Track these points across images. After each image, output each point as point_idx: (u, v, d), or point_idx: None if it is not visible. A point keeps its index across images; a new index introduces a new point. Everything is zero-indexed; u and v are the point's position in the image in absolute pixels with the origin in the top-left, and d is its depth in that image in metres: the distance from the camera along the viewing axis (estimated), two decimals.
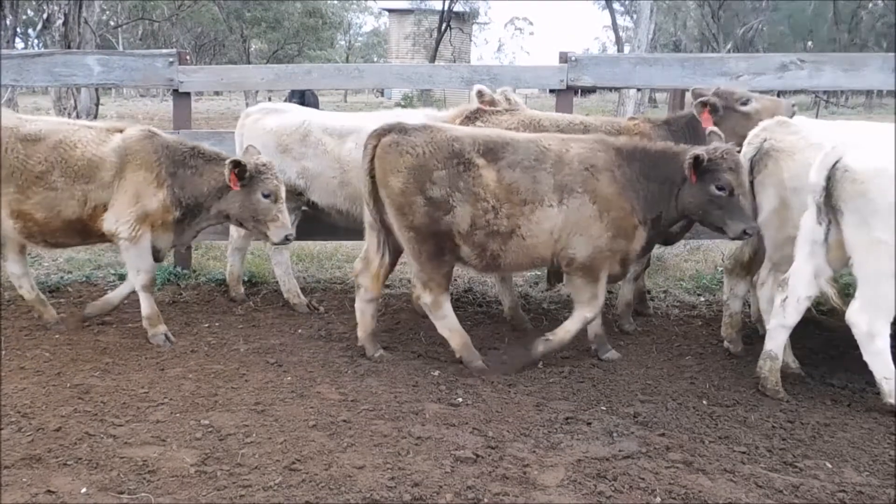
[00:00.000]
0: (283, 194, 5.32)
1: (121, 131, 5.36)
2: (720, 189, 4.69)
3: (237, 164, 5.13)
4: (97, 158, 5.20)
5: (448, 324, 5.05)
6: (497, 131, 5.17)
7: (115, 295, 5.71)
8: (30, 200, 5.19)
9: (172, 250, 7.18)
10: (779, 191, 4.88)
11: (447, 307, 5.04)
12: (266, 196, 5.23)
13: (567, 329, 5.04)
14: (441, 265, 4.92)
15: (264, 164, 5.28)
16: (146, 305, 5.43)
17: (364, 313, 5.24)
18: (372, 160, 4.86)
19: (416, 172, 4.75)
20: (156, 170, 5.24)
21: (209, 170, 5.32)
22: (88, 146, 5.23)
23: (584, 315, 5.01)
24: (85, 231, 5.35)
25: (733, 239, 4.98)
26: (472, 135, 4.92)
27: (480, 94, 6.22)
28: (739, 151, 4.95)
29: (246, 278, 6.87)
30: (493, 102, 6.14)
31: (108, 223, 5.24)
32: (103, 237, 5.38)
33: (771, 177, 4.93)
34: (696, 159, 4.65)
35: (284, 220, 5.30)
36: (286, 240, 5.35)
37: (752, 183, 4.99)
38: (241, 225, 5.54)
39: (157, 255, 5.50)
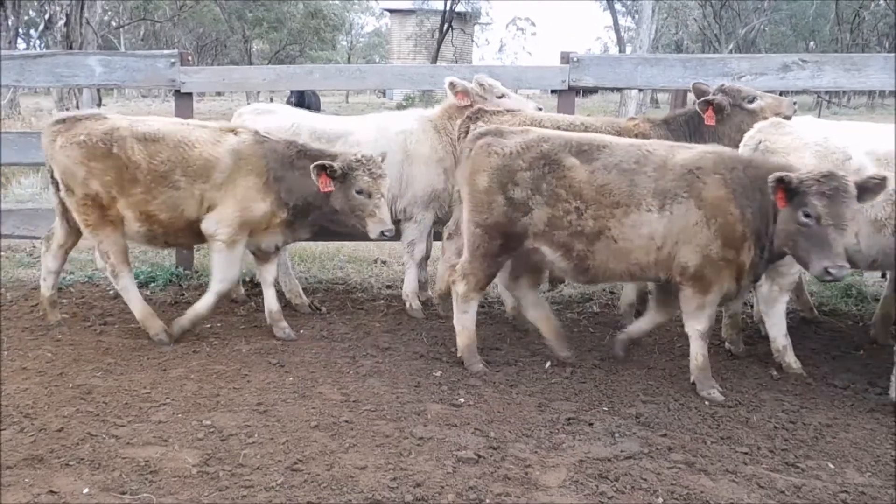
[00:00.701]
0: (379, 189, 5.21)
1: (234, 132, 5.35)
2: (807, 217, 4.25)
3: (321, 168, 5.09)
4: (213, 158, 5.20)
5: (465, 320, 5.04)
6: (596, 135, 5.09)
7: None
8: (155, 200, 5.21)
9: (173, 250, 7.21)
10: None
11: (474, 306, 5.03)
12: (359, 192, 5.17)
13: (693, 353, 4.81)
14: (491, 265, 4.94)
15: (358, 160, 5.19)
16: (204, 306, 5.40)
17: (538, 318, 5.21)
18: (466, 162, 4.93)
19: (501, 172, 4.76)
20: (264, 176, 5.24)
21: None
22: (206, 146, 5.22)
23: (696, 328, 4.73)
24: (201, 232, 5.34)
25: (815, 277, 4.61)
26: (566, 136, 4.87)
27: (452, 85, 6.19)
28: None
29: (248, 279, 6.87)
30: (466, 92, 6.14)
31: (209, 223, 5.24)
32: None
33: None
34: (782, 181, 4.28)
35: (381, 216, 5.22)
36: (382, 235, 5.27)
37: None
38: (344, 222, 5.42)
39: (266, 256, 5.56)
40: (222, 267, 5.32)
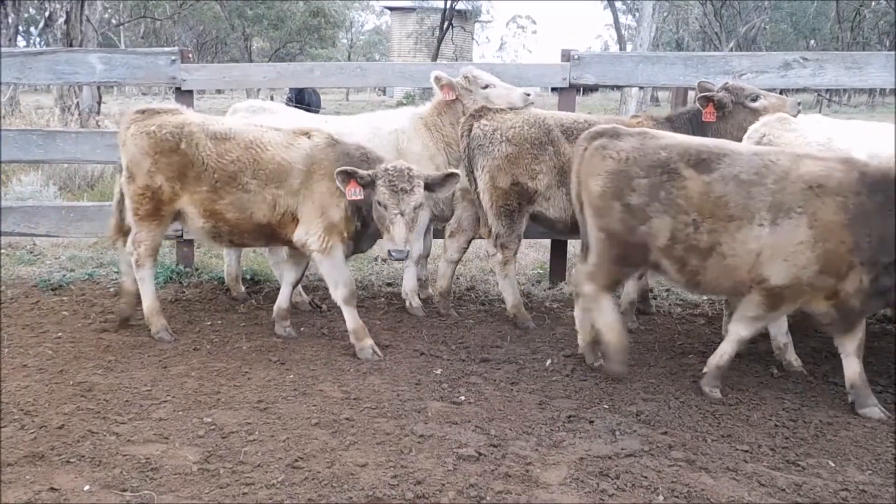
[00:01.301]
0: (396, 203, 4.86)
1: (307, 135, 5.26)
2: None
3: (348, 175, 4.89)
4: (286, 163, 5.12)
5: (605, 318, 4.82)
6: (718, 142, 4.78)
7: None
8: (222, 200, 5.16)
9: (174, 248, 7.20)
10: None
11: (606, 303, 4.83)
12: (379, 203, 4.91)
13: (721, 351, 4.74)
14: (619, 272, 4.82)
15: (385, 170, 4.92)
16: (351, 319, 5.24)
17: (585, 322, 5.07)
18: (581, 163, 4.80)
19: (616, 178, 4.61)
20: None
21: None
22: (278, 149, 5.14)
23: (739, 333, 4.63)
24: (272, 235, 5.31)
25: None
26: (685, 143, 4.63)
27: (438, 79, 6.16)
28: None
29: (248, 276, 6.88)
30: (451, 86, 6.12)
31: (299, 235, 5.16)
32: (290, 243, 5.32)
33: None
34: None
35: (393, 233, 4.86)
36: (389, 254, 4.92)
37: None
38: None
39: (300, 258, 5.50)
40: (331, 274, 5.20)
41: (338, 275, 5.20)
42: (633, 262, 4.80)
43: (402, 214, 4.86)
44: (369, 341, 5.21)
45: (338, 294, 5.22)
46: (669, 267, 4.65)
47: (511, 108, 5.92)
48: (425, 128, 6.14)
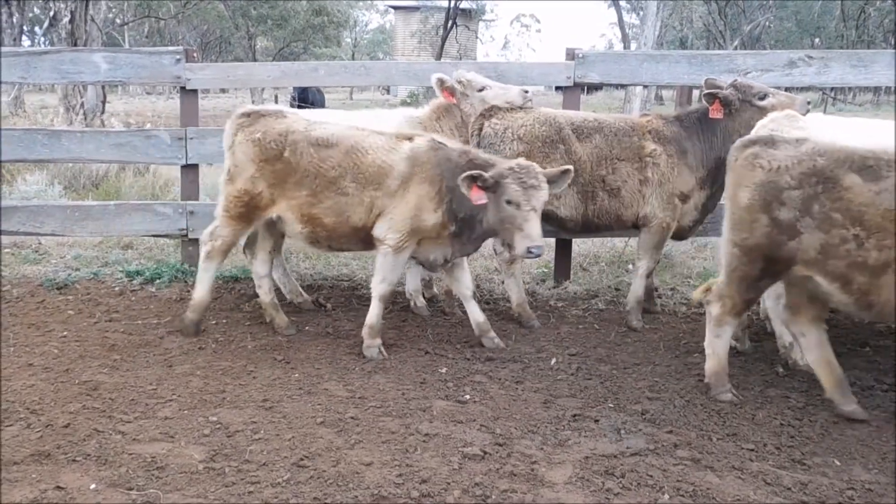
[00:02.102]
0: (529, 200, 4.80)
1: (409, 139, 5.23)
2: None
3: (472, 179, 4.82)
4: (387, 166, 5.09)
5: (717, 345, 4.62)
6: (886, 143, 4.37)
7: (474, 314, 5.45)
8: (321, 205, 5.17)
9: (179, 247, 7.20)
10: None
11: (728, 331, 4.62)
12: (508, 203, 4.82)
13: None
14: (750, 290, 4.52)
15: (510, 168, 4.86)
16: (374, 314, 5.25)
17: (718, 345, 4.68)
18: (731, 173, 4.52)
19: (765, 189, 4.28)
20: (438, 185, 5.07)
21: None
22: (379, 153, 5.12)
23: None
24: (368, 238, 5.25)
25: None
26: (848, 150, 4.21)
27: (441, 81, 6.13)
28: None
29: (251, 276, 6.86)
30: (452, 90, 6.12)
31: (380, 228, 5.14)
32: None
33: None
34: None
35: (530, 231, 4.79)
36: (529, 252, 4.81)
37: None
38: (502, 235, 5.16)
39: (433, 266, 5.46)
40: (385, 268, 5.20)
41: (391, 273, 5.22)
42: (770, 281, 4.50)
43: (535, 210, 4.82)
44: (378, 341, 5.22)
45: (379, 287, 5.24)
46: (829, 285, 4.23)
47: (518, 108, 5.93)
48: (422, 130, 6.08)
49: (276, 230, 5.54)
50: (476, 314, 5.47)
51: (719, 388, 4.62)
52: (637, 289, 5.95)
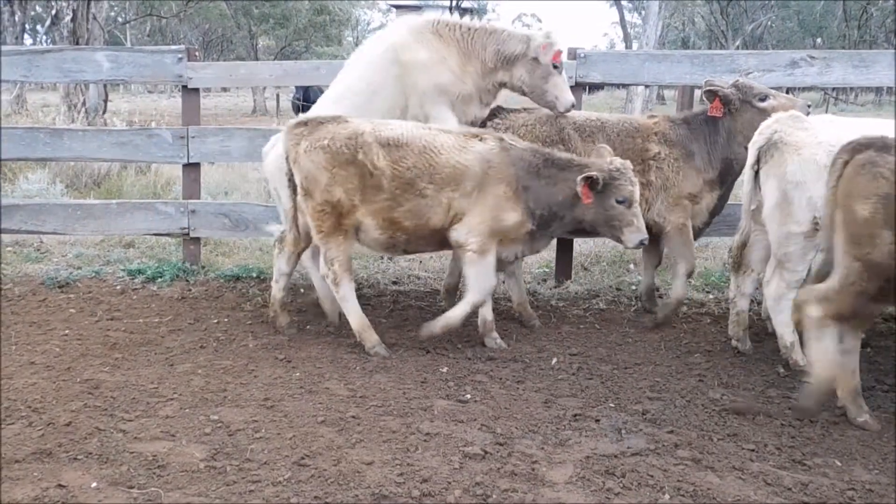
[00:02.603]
0: (637, 198, 5.10)
1: (479, 138, 5.18)
2: None
3: (590, 180, 4.94)
4: (461, 166, 5.03)
5: (819, 352, 4.22)
6: None
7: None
8: (400, 208, 5.07)
9: (181, 245, 7.21)
10: (780, 184, 4.89)
11: (829, 334, 4.17)
12: (620, 202, 5.03)
13: None
14: (864, 306, 4.11)
15: (618, 169, 5.04)
16: (459, 316, 5.21)
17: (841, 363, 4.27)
18: (839, 178, 4.10)
19: (888, 202, 3.85)
20: (513, 184, 5.08)
21: (563, 178, 5.13)
22: (452, 153, 5.06)
23: None
24: (443, 240, 5.22)
25: None
26: None
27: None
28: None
29: (254, 274, 6.88)
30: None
31: (459, 234, 5.10)
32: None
33: (774, 168, 4.94)
34: None
35: (639, 224, 5.10)
36: (641, 244, 5.19)
37: (757, 173, 5.05)
38: (592, 230, 5.35)
39: (502, 265, 5.40)
40: (476, 277, 5.14)
41: (484, 280, 5.15)
42: (890, 300, 4.20)
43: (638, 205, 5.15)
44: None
45: (471, 296, 5.18)
46: None
47: (525, 110, 5.96)
48: (435, 35, 5.74)
49: (296, 232, 5.38)
50: (488, 311, 5.43)
51: (856, 410, 4.29)
52: (678, 288, 5.91)
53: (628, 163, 5.14)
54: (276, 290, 5.66)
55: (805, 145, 4.85)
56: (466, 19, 5.89)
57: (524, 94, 5.81)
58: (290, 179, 5.18)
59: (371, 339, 5.23)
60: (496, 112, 5.91)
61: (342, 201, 5.05)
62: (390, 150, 5.03)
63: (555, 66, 5.67)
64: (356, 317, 5.28)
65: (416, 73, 5.67)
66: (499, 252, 5.22)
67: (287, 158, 5.17)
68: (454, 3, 42.55)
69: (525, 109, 5.94)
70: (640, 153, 5.78)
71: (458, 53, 5.72)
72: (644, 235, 5.12)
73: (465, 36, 5.74)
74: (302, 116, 5.38)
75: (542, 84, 5.71)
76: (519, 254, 5.39)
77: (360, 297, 6.43)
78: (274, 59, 34.23)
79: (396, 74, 5.70)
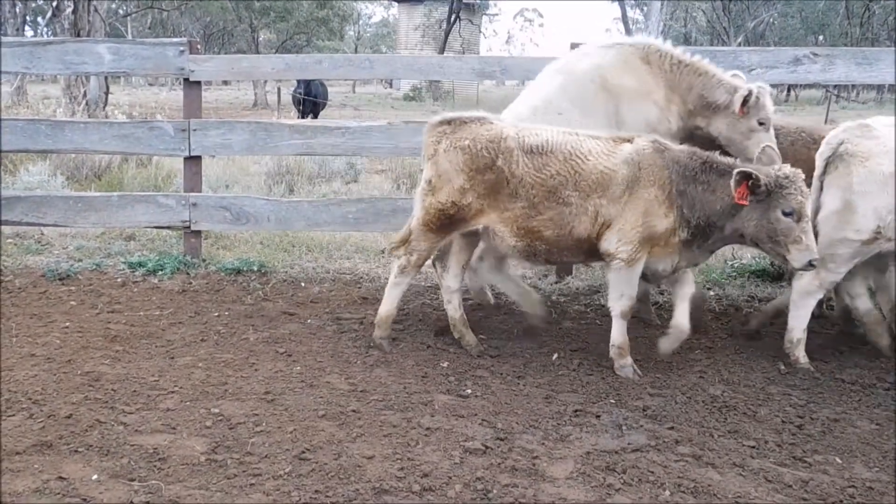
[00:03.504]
0: (807, 212, 4.57)
1: (628, 141, 4.86)
2: None
3: (748, 177, 4.51)
4: (609, 171, 4.73)
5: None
6: None
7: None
8: (541, 216, 4.81)
9: (181, 238, 7.21)
10: (845, 194, 4.85)
11: None
12: (787, 214, 4.51)
13: None
14: None
15: (786, 176, 4.53)
16: (619, 333, 4.94)
17: None
18: None
19: None
20: (667, 188, 4.72)
21: (723, 185, 4.66)
22: (599, 158, 4.76)
23: None
24: (591, 250, 4.92)
25: None
26: None
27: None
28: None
29: (255, 267, 6.88)
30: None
31: (609, 243, 4.77)
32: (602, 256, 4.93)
33: (839, 179, 4.89)
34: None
35: (808, 242, 4.54)
36: (810, 265, 4.59)
37: (822, 182, 4.98)
38: (755, 245, 4.83)
39: (658, 278, 5.09)
40: (620, 285, 4.86)
41: (628, 288, 4.88)
42: None
43: (808, 220, 4.60)
44: (629, 360, 4.93)
45: (618, 305, 4.91)
46: None
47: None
48: (643, 62, 5.45)
49: (473, 243, 5.24)
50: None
51: None
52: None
53: (799, 171, 4.60)
54: (451, 309, 5.32)
55: (872, 155, 4.78)
56: (679, 50, 5.56)
57: (720, 145, 5.40)
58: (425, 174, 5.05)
59: (383, 331, 5.23)
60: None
61: (471, 205, 4.88)
62: (533, 157, 4.80)
63: (760, 123, 5.30)
64: (390, 306, 5.24)
65: (623, 104, 5.45)
66: (653, 264, 4.90)
67: (424, 154, 5.06)
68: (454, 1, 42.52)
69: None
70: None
71: (664, 87, 5.44)
72: (814, 255, 4.54)
73: (675, 69, 5.46)
74: (446, 115, 5.16)
75: (744, 140, 5.36)
76: (675, 265, 4.95)
77: (361, 291, 6.46)
78: (275, 53, 34.22)
79: (602, 98, 5.47)
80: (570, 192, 4.76)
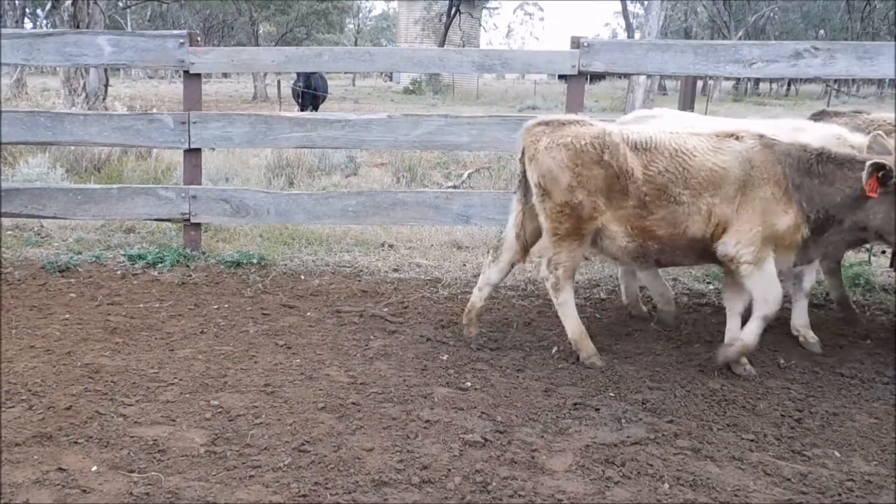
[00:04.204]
0: None
1: (736, 137, 4.71)
2: None
3: (880, 168, 4.33)
4: (719, 169, 4.59)
5: None
6: None
7: (748, 334, 4.79)
8: (652, 216, 4.69)
9: (181, 230, 7.21)
10: None
11: None
12: None
13: None
14: None
15: None
16: (753, 333, 4.75)
17: None
18: None
19: None
20: (783, 184, 4.56)
21: (842, 176, 4.53)
22: (707, 155, 4.62)
23: None
24: (704, 251, 4.78)
25: None
26: None
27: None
28: None
29: (255, 260, 6.88)
30: None
31: (728, 247, 4.62)
32: (716, 258, 4.79)
33: None
34: None
35: None
36: None
37: None
38: (880, 238, 4.71)
39: (781, 276, 4.87)
40: (760, 289, 4.66)
41: (770, 290, 4.67)
42: None
43: None
44: (745, 360, 4.81)
45: (762, 309, 4.70)
46: None
47: None
48: None
49: (523, 240, 5.12)
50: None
51: None
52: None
53: None
54: (478, 297, 5.33)
55: None
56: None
57: None
58: (522, 181, 4.97)
59: (588, 348, 4.98)
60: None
61: (584, 203, 4.73)
62: (639, 153, 4.67)
63: None
64: (575, 324, 5.03)
65: None
66: (777, 263, 4.72)
67: (522, 158, 4.93)
68: None
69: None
70: None
71: None
72: None
73: None
74: (542, 117, 5.04)
75: None
76: (792, 265, 4.85)
77: (360, 283, 6.46)
78: (275, 46, 34.16)
79: None
80: (681, 190, 4.63)
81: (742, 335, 4.79)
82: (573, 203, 4.74)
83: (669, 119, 5.56)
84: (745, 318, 4.86)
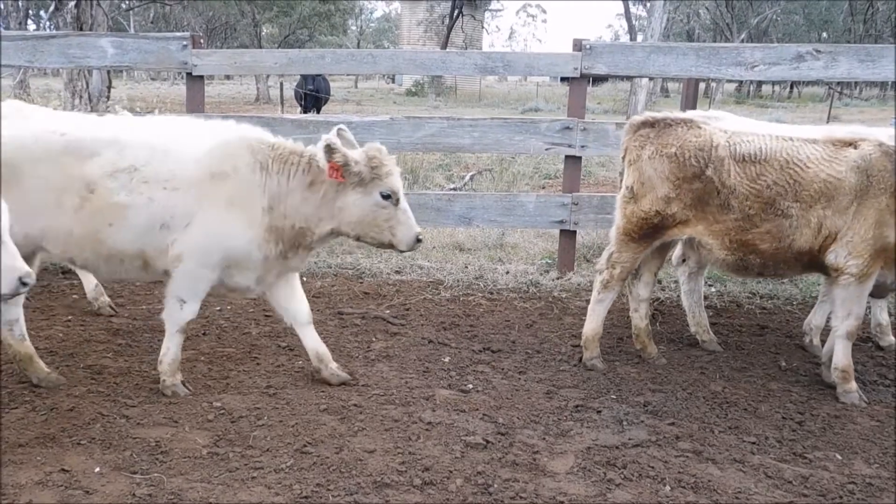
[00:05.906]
0: None
1: (851, 145, 4.48)
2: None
3: None
4: (833, 179, 4.39)
5: None
6: None
7: (839, 358, 4.61)
8: (756, 229, 4.54)
9: None
10: None
11: None
12: None
13: None
14: None
15: None
16: (842, 355, 4.57)
17: None
18: None
19: None
20: None
21: None
22: (820, 165, 4.43)
23: None
24: (812, 262, 4.61)
25: None
26: None
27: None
28: None
29: None
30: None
31: (837, 257, 4.44)
32: (825, 269, 4.60)
33: None
34: None
35: None
36: None
37: None
38: None
39: (884, 291, 4.79)
40: (849, 302, 4.52)
41: (857, 307, 4.55)
42: None
43: None
44: (855, 385, 4.58)
45: (845, 325, 4.56)
46: None
47: None
48: None
49: (665, 250, 5.07)
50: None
51: None
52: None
53: None
54: (637, 318, 5.16)
55: None
56: None
57: None
58: (623, 175, 4.86)
59: (594, 350, 4.99)
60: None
61: (675, 215, 4.68)
62: (746, 166, 4.52)
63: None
64: (596, 325, 5.01)
65: None
66: (881, 276, 4.58)
67: (624, 157, 4.87)
68: None
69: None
70: None
71: None
72: None
73: None
74: (648, 115, 4.89)
75: None
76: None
77: (362, 287, 6.46)
78: (277, 48, 34.19)
79: None
80: (790, 203, 4.47)
81: (835, 363, 4.63)
82: (664, 213, 4.69)
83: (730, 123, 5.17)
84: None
